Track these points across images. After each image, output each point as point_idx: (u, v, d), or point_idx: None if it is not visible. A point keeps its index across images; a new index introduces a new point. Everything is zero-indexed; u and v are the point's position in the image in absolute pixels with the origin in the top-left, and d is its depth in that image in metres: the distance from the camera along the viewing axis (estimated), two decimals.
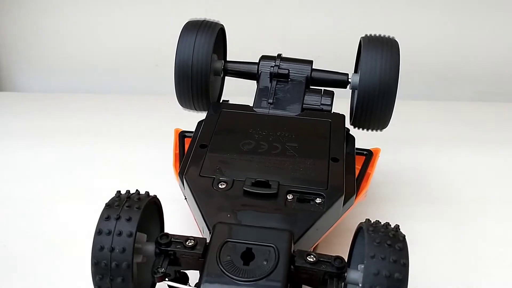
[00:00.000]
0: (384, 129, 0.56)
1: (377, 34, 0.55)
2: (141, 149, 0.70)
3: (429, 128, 0.81)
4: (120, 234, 0.37)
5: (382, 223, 0.38)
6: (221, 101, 0.59)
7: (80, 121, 0.80)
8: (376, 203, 0.59)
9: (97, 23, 0.92)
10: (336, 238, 0.50)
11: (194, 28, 0.54)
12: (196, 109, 0.57)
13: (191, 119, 0.56)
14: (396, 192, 0.63)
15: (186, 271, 0.41)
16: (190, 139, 0.53)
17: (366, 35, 0.55)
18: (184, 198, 0.48)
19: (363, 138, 0.58)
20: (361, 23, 0.67)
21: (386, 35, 0.55)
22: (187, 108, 0.57)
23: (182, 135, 0.55)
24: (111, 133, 0.76)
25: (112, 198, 0.39)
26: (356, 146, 0.53)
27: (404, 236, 0.37)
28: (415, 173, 0.67)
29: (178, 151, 0.53)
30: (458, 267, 0.51)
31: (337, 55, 0.62)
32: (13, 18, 0.93)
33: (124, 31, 0.93)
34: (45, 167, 0.66)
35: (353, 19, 0.86)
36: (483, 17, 0.90)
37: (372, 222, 0.38)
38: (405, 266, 0.35)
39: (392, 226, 0.38)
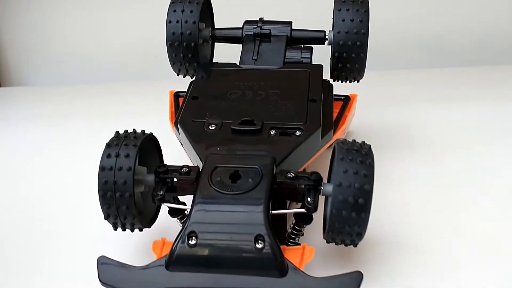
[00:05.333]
0: (360, 80, 0.60)
1: None
2: (142, 122, 0.75)
3: (413, 91, 0.86)
4: (120, 169, 0.42)
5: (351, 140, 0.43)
6: None
7: (87, 106, 0.86)
8: None
9: (98, 20, 0.98)
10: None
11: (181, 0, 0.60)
12: (189, 74, 0.62)
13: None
14: (378, 141, 0.67)
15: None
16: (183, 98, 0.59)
17: None
18: (180, 144, 0.53)
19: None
20: None
21: None
22: (181, 73, 0.62)
23: (176, 95, 0.61)
24: (112, 114, 0.81)
25: (112, 138, 0.45)
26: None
27: (370, 145, 0.42)
28: (398, 127, 0.73)
29: (173, 109, 0.59)
30: (434, 201, 0.56)
31: (320, 18, 0.66)
32: (20, 21, 0.99)
33: (124, 26, 0.99)
34: (58, 144, 0.73)
35: None
36: None
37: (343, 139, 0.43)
38: (371, 166, 0.40)
39: None
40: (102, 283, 0.40)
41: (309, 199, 0.41)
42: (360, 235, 0.41)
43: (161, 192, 0.43)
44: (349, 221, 0.40)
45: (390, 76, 0.93)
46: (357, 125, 0.72)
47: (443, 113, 0.77)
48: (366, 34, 0.56)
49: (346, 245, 0.42)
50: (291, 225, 0.45)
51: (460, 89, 0.86)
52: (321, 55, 0.62)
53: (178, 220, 0.46)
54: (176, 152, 0.53)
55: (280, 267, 0.39)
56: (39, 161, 0.68)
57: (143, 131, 0.45)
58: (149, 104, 0.84)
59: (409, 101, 0.82)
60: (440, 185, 0.58)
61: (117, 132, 0.45)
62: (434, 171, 0.61)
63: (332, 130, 0.52)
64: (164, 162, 0.48)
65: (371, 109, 0.78)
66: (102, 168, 0.42)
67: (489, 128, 0.71)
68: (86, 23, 0.99)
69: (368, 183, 0.39)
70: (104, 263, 0.41)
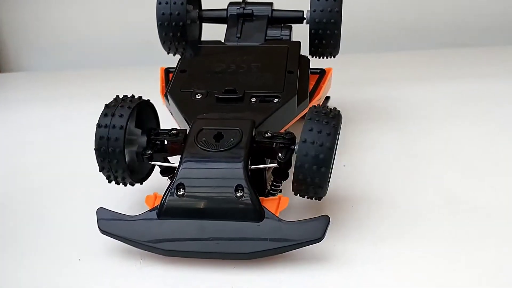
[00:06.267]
0: (336, 55, 0.65)
1: None
2: None
3: (391, 72, 0.92)
4: (114, 127, 0.47)
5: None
6: None
7: (83, 89, 0.90)
8: None
9: (94, 6, 1.03)
10: None
11: None
12: (178, 52, 0.67)
13: None
14: (356, 115, 0.73)
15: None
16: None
17: None
18: (170, 114, 0.58)
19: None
20: None
21: None
22: (171, 51, 0.67)
23: (166, 71, 0.66)
24: (108, 96, 0.85)
25: (111, 101, 0.50)
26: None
27: (339, 111, 0.47)
28: (375, 103, 0.78)
29: (164, 84, 0.64)
30: (403, 164, 0.61)
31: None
32: (18, 8, 1.04)
33: (119, 12, 1.03)
34: (57, 123, 0.78)
35: None
36: None
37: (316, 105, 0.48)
38: (335, 127, 0.45)
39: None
40: (101, 231, 0.46)
41: (280, 154, 0.46)
42: (321, 187, 0.45)
43: (149, 151, 0.48)
44: (311, 174, 0.44)
45: (370, 58, 0.99)
46: (338, 101, 0.77)
47: (418, 90, 0.82)
48: (339, 12, 0.61)
49: (310, 198, 0.47)
50: (270, 182, 0.50)
51: (435, 69, 0.92)
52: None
53: (168, 179, 0.51)
54: (167, 123, 0.58)
55: (257, 213, 0.44)
56: (39, 138, 0.73)
57: (140, 97, 0.50)
58: (143, 86, 0.86)
59: (387, 80, 0.87)
60: (409, 151, 0.64)
61: (117, 95, 0.50)
62: (405, 139, 0.67)
63: (308, 98, 0.57)
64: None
65: (352, 87, 0.84)
66: (99, 125, 0.47)
67: (459, 104, 0.77)
68: (83, 9, 1.03)
69: (330, 141, 0.44)
70: (102, 214, 0.46)
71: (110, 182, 0.49)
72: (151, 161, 0.49)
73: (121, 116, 0.47)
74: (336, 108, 0.48)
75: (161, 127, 0.50)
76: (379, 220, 0.51)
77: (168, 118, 0.59)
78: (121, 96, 0.50)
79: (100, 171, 0.48)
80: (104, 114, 0.48)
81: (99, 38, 1.06)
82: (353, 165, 0.60)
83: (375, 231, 0.49)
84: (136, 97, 0.50)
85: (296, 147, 0.47)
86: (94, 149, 0.47)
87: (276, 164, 0.47)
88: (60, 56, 1.07)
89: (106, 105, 0.49)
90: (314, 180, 0.45)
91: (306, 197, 0.47)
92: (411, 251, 0.46)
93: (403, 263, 0.45)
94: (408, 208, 0.53)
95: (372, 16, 1.04)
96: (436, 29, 1.06)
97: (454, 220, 0.51)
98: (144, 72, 0.95)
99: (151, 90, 0.72)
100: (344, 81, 0.77)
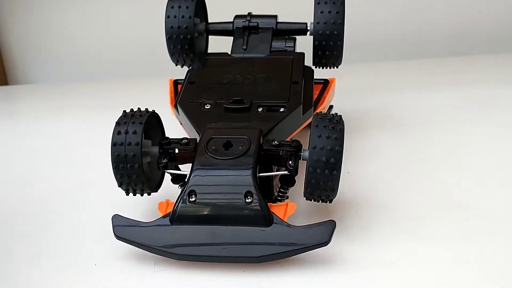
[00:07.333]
0: (339, 66, 0.68)
1: None
2: None
3: (393, 80, 0.94)
4: (129, 144, 0.49)
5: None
6: None
7: (90, 101, 0.92)
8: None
9: (100, 19, 1.05)
10: None
11: None
12: (186, 64, 0.69)
13: None
14: (360, 122, 0.75)
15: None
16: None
17: None
18: (180, 124, 0.60)
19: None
20: None
21: None
22: (179, 63, 0.70)
23: (175, 83, 0.68)
24: (115, 107, 0.86)
25: (120, 116, 0.51)
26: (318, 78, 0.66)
27: (341, 115, 0.49)
28: (378, 110, 0.80)
29: (173, 95, 0.66)
30: (407, 171, 0.62)
31: (302, 12, 0.73)
32: (25, 22, 1.06)
33: (125, 24, 1.06)
34: (67, 133, 0.80)
35: None
36: None
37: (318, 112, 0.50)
38: (341, 131, 0.47)
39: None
40: (117, 236, 0.48)
41: (290, 162, 0.48)
42: (333, 190, 0.48)
43: (165, 160, 0.50)
44: (323, 178, 0.46)
45: (372, 67, 1.02)
46: (341, 109, 0.78)
47: (420, 98, 0.84)
48: (342, 24, 0.63)
49: (322, 201, 0.49)
50: (277, 188, 0.52)
51: (438, 77, 0.94)
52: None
53: (179, 187, 0.53)
54: (176, 133, 0.60)
55: (266, 218, 0.46)
56: (49, 149, 0.74)
57: (146, 109, 0.52)
58: (150, 97, 0.88)
59: (389, 88, 0.89)
60: (413, 157, 0.65)
61: (124, 111, 0.52)
62: (409, 146, 0.68)
63: (312, 108, 0.59)
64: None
65: (355, 95, 0.86)
66: (114, 144, 0.49)
67: (462, 111, 0.79)
68: (91, 22, 1.06)
69: (338, 145, 0.46)
70: (118, 221, 0.48)
71: (128, 194, 0.51)
72: (166, 170, 0.51)
73: (135, 132, 0.49)
74: (337, 113, 0.50)
75: (171, 137, 0.52)
76: (384, 224, 0.52)
77: (177, 128, 0.61)
78: (128, 110, 0.52)
79: (119, 186, 0.50)
80: (117, 132, 0.49)
81: (106, 50, 1.08)
82: (357, 172, 0.62)
83: (380, 235, 0.51)
84: (143, 110, 0.52)
85: (302, 153, 0.49)
86: (112, 167, 0.49)
87: (284, 172, 0.49)
88: (67, 68, 1.09)
89: (117, 123, 0.50)
90: (326, 184, 0.47)
91: (317, 201, 0.49)
92: (416, 255, 0.48)
93: (408, 266, 0.47)
94: (412, 213, 0.54)
95: (375, 26, 1.06)
96: (438, 38, 1.08)
97: (458, 224, 0.52)
98: (151, 84, 0.97)
99: (158, 101, 0.74)
100: (347, 90, 0.79)
